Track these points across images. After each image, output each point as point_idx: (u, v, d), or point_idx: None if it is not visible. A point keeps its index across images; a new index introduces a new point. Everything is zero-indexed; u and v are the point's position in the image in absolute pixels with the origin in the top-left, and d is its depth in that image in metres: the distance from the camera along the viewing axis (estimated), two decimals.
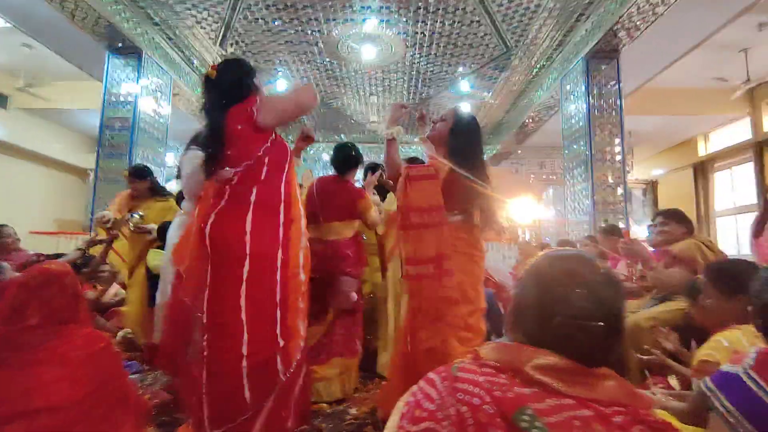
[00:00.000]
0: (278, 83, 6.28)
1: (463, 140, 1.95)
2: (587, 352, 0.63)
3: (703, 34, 4.29)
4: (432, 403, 0.59)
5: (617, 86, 4.69)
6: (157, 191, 3.13)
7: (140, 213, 2.93)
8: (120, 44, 4.63)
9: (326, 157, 2.49)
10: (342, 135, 8.50)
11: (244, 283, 1.54)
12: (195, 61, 5.65)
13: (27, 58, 6.30)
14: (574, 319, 0.63)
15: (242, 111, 1.67)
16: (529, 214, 7.70)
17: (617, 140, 4.68)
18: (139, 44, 4.67)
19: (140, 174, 3.06)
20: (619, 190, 4.62)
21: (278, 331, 1.57)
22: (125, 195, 3.10)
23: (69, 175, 9.02)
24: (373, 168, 3.03)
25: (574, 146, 5.02)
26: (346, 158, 2.63)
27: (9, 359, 1.31)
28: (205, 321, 1.54)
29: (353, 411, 2.17)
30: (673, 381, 1.77)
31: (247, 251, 1.56)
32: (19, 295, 1.35)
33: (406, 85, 6.42)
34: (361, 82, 6.33)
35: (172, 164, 8.24)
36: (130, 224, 2.88)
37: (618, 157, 4.67)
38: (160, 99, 5.17)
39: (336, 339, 2.44)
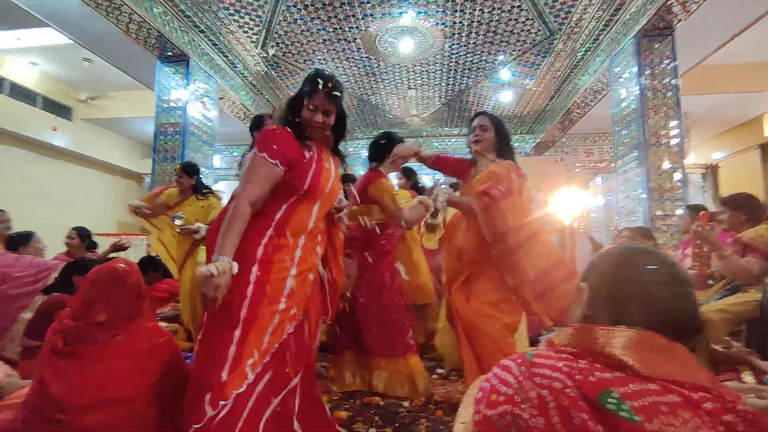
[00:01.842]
0: None
1: (506, 140, 2.11)
2: (665, 325, 0.62)
3: (767, 4, 3.94)
4: (509, 388, 0.58)
5: (672, 65, 4.40)
6: (199, 190, 3.23)
7: (182, 215, 3.07)
8: (169, 53, 4.86)
9: (365, 154, 2.51)
10: (381, 130, 8.53)
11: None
12: (238, 65, 5.84)
13: (87, 71, 6.76)
14: (648, 295, 0.64)
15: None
16: (576, 205, 7.40)
17: (673, 123, 4.40)
18: (187, 51, 4.88)
19: (189, 170, 3.19)
20: (677, 176, 4.35)
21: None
22: (165, 188, 3.28)
23: (127, 180, 9.62)
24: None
25: (626, 131, 4.77)
26: (374, 147, 2.56)
27: (83, 352, 1.40)
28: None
29: (406, 404, 2.18)
30: (748, 377, 1.66)
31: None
32: (89, 293, 1.45)
33: (444, 77, 6.34)
34: (399, 76, 6.31)
35: (219, 166, 8.57)
36: (176, 228, 3.03)
37: (674, 141, 4.39)
38: (207, 103, 5.39)
39: (374, 340, 2.39)
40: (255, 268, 1.36)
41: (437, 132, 8.93)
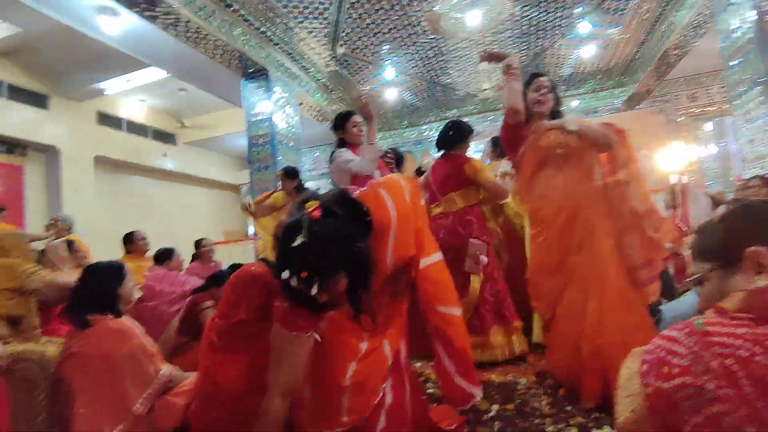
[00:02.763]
0: (386, 73, 6.44)
1: (559, 102, 2.04)
2: None
3: None
4: (683, 359, 0.56)
5: None
6: (301, 190, 3.47)
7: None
8: (251, 69, 5.23)
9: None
10: (454, 111, 8.36)
11: None
12: (312, 69, 6.09)
13: (183, 99, 7.53)
14: None
15: None
16: (683, 159, 6.63)
17: None
18: (265, 65, 5.21)
19: (290, 174, 3.48)
20: None
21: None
22: (271, 194, 3.59)
23: (226, 192, 10.58)
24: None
25: (741, 65, 4.15)
26: (444, 135, 2.72)
27: (233, 346, 1.60)
28: None
29: (523, 381, 2.17)
30: None
31: None
32: (232, 294, 1.65)
33: (517, 43, 6.02)
34: (469, 51, 6.12)
35: (307, 168, 9.03)
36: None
37: None
38: (289, 110, 5.71)
39: (487, 308, 2.50)
40: None
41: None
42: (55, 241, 3.19)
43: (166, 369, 1.95)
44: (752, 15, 3.86)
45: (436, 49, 5.97)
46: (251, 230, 10.09)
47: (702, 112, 7.67)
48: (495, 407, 1.87)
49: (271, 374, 1.27)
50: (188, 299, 2.64)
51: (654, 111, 7.40)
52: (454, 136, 2.70)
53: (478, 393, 1.59)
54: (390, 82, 6.83)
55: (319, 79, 6.42)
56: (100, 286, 1.90)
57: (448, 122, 2.77)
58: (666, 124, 7.32)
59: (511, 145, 2.07)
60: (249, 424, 1.50)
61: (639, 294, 1.77)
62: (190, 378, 1.95)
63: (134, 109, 7.82)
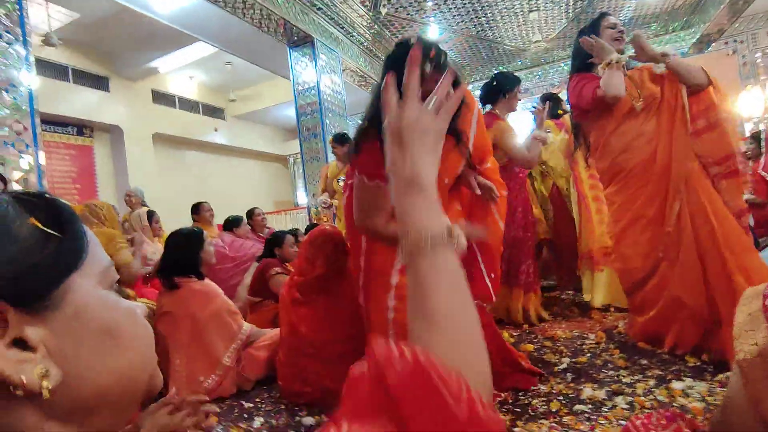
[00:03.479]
0: (430, 31, 6.22)
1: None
2: None
3: None
4: None
5: None
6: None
7: (343, 177, 3.42)
8: (296, 37, 5.22)
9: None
10: (501, 66, 8.00)
11: None
12: (354, 33, 6.00)
13: (230, 73, 7.68)
14: None
15: None
16: (759, 103, 6.04)
17: None
18: (310, 32, 5.18)
19: (340, 140, 3.53)
20: None
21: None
22: (326, 168, 3.64)
23: (274, 163, 10.86)
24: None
25: None
26: (485, 88, 2.58)
27: (314, 301, 1.71)
28: None
29: (591, 336, 2.15)
30: None
31: None
32: (310, 251, 1.74)
33: None
34: (519, 0, 5.77)
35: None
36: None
37: None
38: (335, 78, 5.69)
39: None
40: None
41: (562, 55, 8.02)
42: (138, 210, 3.44)
43: (247, 326, 2.11)
44: None
45: (483, 1, 5.67)
46: (300, 200, 10.39)
47: None
48: (566, 360, 1.88)
49: (355, 216, 1.35)
50: (260, 263, 2.80)
51: (727, 53, 6.72)
52: (495, 88, 2.53)
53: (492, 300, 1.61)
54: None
55: (362, 43, 6.32)
56: (184, 251, 2.06)
57: (494, 75, 2.62)
58: (741, 67, 6.66)
59: (592, 112, 1.91)
60: (332, 370, 1.61)
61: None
62: (268, 333, 2.10)
63: (184, 86, 8.09)
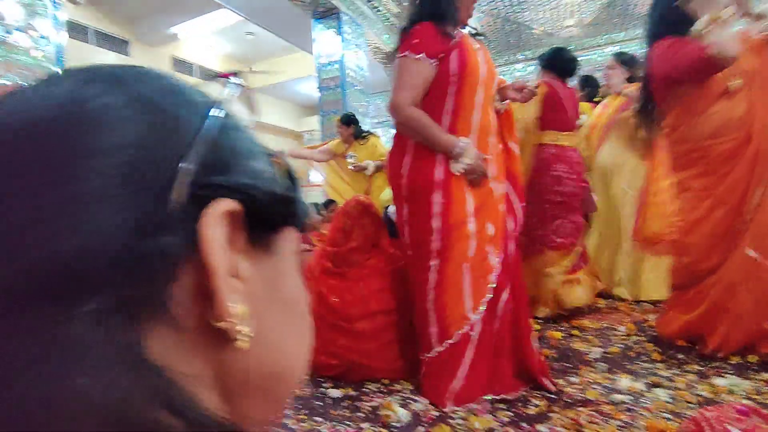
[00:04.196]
0: None
1: None
2: None
3: None
4: None
5: None
6: (358, 135, 3.46)
7: (353, 154, 3.41)
8: (321, 8, 5.09)
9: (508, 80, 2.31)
10: (527, 52, 7.79)
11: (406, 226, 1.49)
12: (382, 8, 5.84)
13: (250, 44, 7.56)
14: None
15: None
16: None
17: None
18: (336, 4, 5.05)
19: (345, 121, 3.50)
20: None
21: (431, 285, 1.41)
22: (332, 142, 3.59)
23: (288, 139, 10.78)
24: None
25: None
26: (571, 60, 2.44)
27: (347, 273, 1.67)
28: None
29: (621, 328, 2.10)
30: None
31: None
32: (345, 222, 1.69)
33: None
34: None
35: (371, 116, 8.95)
36: (350, 165, 3.36)
37: None
38: (360, 53, 5.57)
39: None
40: (436, 196, 1.38)
41: (595, 42, 7.77)
42: None
43: None
44: None
45: None
46: (312, 177, 10.33)
47: None
48: (597, 350, 1.83)
49: (393, 93, 1.40)
50: None
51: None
52: (575, 63, 2.47)
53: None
54: None
55: (388, 19, 6.16)
56: None
57: (559, 49, 2.48)
58: None
59: (683, 86, 1.66)
60: (360, 345, 1.57)
61: None
62: None
63: (204, 54, 7.98)
